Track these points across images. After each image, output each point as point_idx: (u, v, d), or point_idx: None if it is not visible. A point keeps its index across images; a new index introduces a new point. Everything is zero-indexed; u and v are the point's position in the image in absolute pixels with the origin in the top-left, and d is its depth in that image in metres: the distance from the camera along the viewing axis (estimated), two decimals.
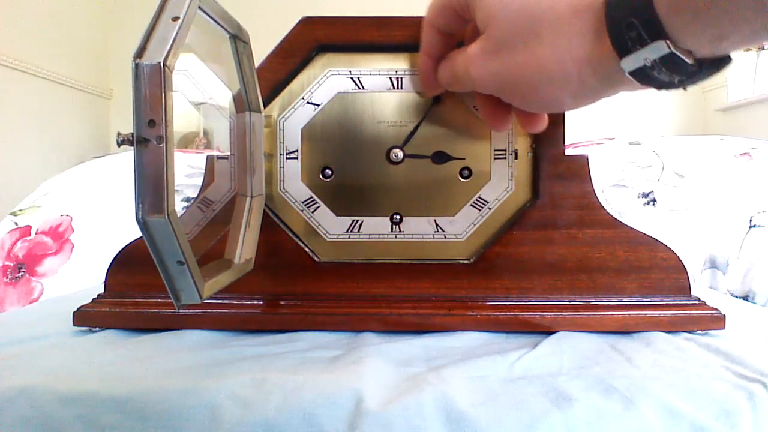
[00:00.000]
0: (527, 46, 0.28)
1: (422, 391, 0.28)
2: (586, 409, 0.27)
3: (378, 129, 0.40)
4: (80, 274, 0.78)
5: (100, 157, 1.22)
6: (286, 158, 0.40)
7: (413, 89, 0.40)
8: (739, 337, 0.37)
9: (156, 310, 0.39)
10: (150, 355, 0.34)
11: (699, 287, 0.62)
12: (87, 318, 0.39)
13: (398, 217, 0.40)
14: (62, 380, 0.29)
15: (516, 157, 0.40)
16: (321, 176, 0.40)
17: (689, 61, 0.24)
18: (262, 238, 0.37)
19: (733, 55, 0.25)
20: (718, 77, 0.30)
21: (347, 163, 0.40)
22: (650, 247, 0.39)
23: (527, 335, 0.37)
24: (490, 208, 0.40)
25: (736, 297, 0.70)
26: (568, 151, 0.39)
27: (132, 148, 0.24)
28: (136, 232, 0.30)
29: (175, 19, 0.25)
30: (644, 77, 0.25)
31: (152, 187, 0.24)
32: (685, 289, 0.39)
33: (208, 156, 0.41)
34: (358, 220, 0.40)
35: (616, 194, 0.84)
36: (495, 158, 0.40)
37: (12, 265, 0.79)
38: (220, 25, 0.34)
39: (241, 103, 0.38)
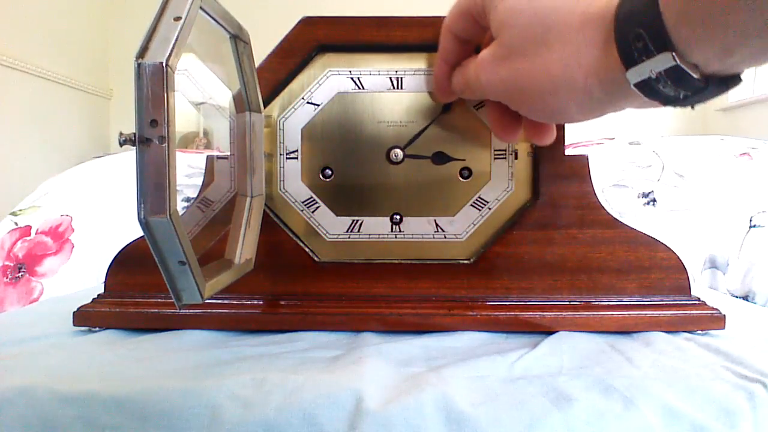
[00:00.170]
0: (536, 53, 0.28)
1: (422, 391, 0.28)
2: (586, 409, 0.27)
3: (378, 129, 0.40)
4: (80, 274, 0.78)
5: (100, 157, 1.22)
6: (286, 158, 0.40)
7: (417, 89, 0.40)
8: (739, 337, 0.37)
9: (156, 310, 0.39)
10: (150, 355, 0.34)
11: (699, 287, 0.62)
12: (87, 318, 0.39)
13: (398, 217, 0.40)
14: (62, 380, 0.29)
15: (516, 157, 0.40)
16: (321, 176, 0.40)
17: (695, 75, 0.23)
18: (262, 238, 0.37)
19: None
20: None
21: (347, 163, 0.40)
22: (650, 247, 0.39)
23: (527, 335, 0.38)
24: (490, 208, 0.40)
25: (736, 297, 0.70)
26: (568, 151, 0.39)
27: (134, 147, 0.24)
28: (136, 232, 0.30)
29: (177, 19, 0.26)
30: (649, 90, 0.25)
31: (154, 187, 0.24)
32: (685, 289, 0.39)
33: (208, 156, 0.41)
34: (358, 220, 0.40)
35: (616, 194, 0.84)
36: (495, 158, 0.40)
37: (12, 265, 0.79)
38: (221, 25, 0.34)
39: (241, 103, 0.38)
